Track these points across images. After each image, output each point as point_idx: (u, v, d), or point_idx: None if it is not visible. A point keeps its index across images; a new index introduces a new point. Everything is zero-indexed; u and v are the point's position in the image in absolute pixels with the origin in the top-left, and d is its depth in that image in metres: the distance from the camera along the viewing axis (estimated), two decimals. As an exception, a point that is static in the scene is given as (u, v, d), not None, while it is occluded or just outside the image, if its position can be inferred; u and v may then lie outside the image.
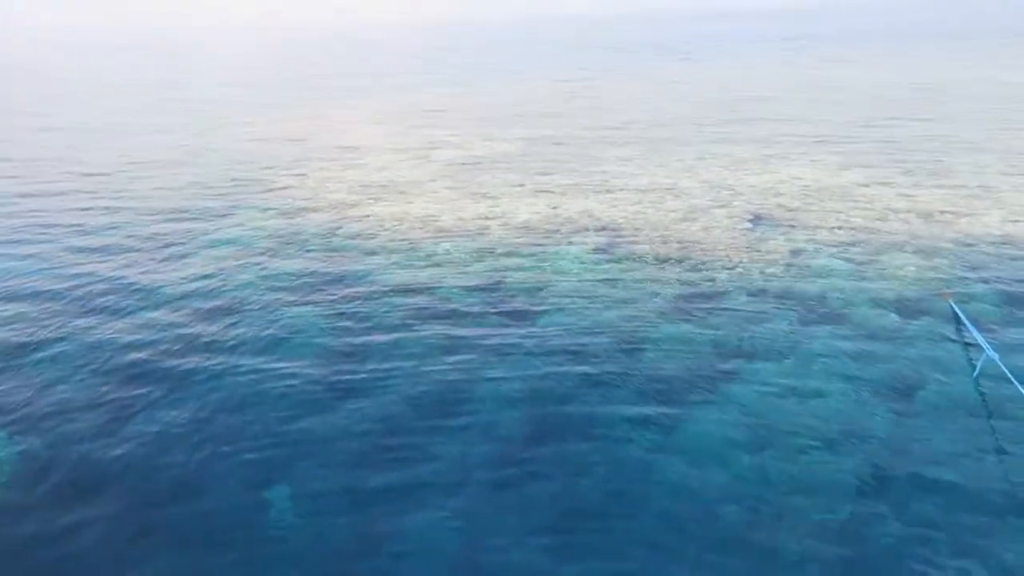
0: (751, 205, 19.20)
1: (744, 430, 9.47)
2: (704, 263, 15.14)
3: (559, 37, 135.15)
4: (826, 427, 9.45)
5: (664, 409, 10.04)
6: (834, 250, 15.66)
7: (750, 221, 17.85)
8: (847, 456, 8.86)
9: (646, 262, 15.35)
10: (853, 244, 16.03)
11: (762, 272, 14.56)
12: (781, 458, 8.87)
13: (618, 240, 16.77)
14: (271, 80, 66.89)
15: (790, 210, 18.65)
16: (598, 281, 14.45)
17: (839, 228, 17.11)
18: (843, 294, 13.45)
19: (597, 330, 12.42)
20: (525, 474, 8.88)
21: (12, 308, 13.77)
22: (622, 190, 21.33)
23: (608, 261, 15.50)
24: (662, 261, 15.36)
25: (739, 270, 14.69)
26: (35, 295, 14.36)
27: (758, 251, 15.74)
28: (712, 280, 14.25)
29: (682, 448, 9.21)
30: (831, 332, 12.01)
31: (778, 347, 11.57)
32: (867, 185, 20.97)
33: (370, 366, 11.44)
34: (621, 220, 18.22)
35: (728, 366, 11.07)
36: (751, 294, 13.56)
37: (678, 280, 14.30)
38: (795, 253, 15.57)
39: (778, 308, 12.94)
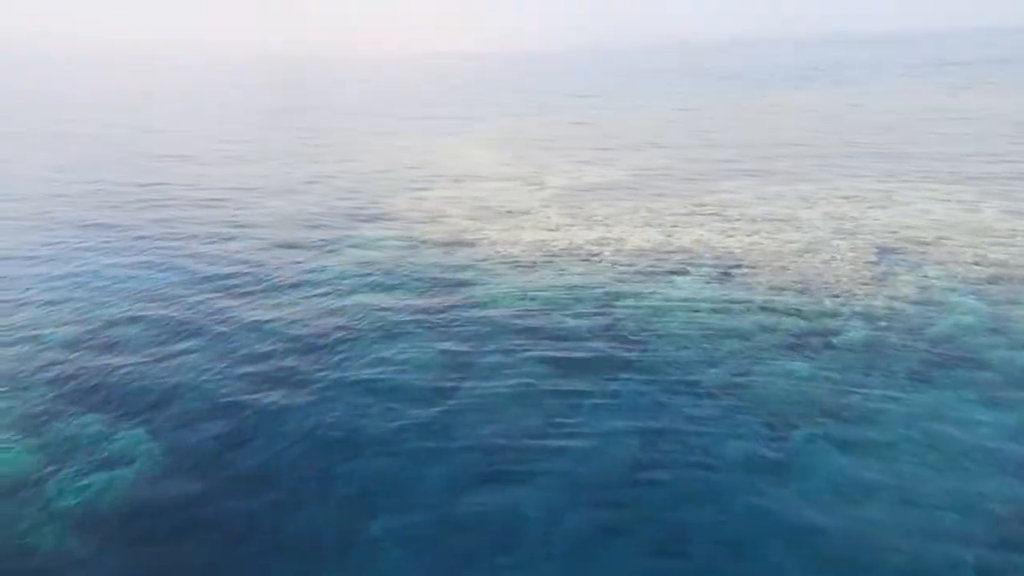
0: (876, 239, 18.35)
1: (857, 481, 8.98)
2: (824, 297, 14.55)
3: (672, 64, 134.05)
4: (949, 488, 8.77)
5: (775, 450, 9.67)
6: (969, 289, 14.73)
7: (875, 255, 17.05)
8: (970, 528, 8.14)
9: (762, 294, 14.90)
10: (991, 283, 15.03)
11: (887, 309, 13.85)
12: (892, 518, 8.31)
13: (732, 270, 16.37)
14: (376, 108, 69.08)
15: (920, 244, 17.70)
16: (711, 311, 14.13)
17: (975, 265, 16.08)
18: (978, 337, 12.61)
19: (708, 362, 12.14)
20: (626, 506, 8.76)
21: (128, 330, 14.53)
22: (737, 220, 20.85)
23: (722, 291, 15.15)
24: (779, 293, 14.87)
25: (862, 306, 14.03)
26: (150, 319, 14.89)
27: (883, 287, 15.01)
28: (832, 316, 13.67)
29: (790, 491, 8.82)
30: (963, 379, 11.26)
31: (901, 392, 10.94)
32: (1007, 220, 19.65)
33: (477, 388, 11.57)
34: (736, 250, 17.79)
35: (846, 409, 10.54)
36: (874, 333, 12.92)
37: (795, 314, 13.80)
38: (924, 290, 14.74)
39: (904, 349, 12.27)
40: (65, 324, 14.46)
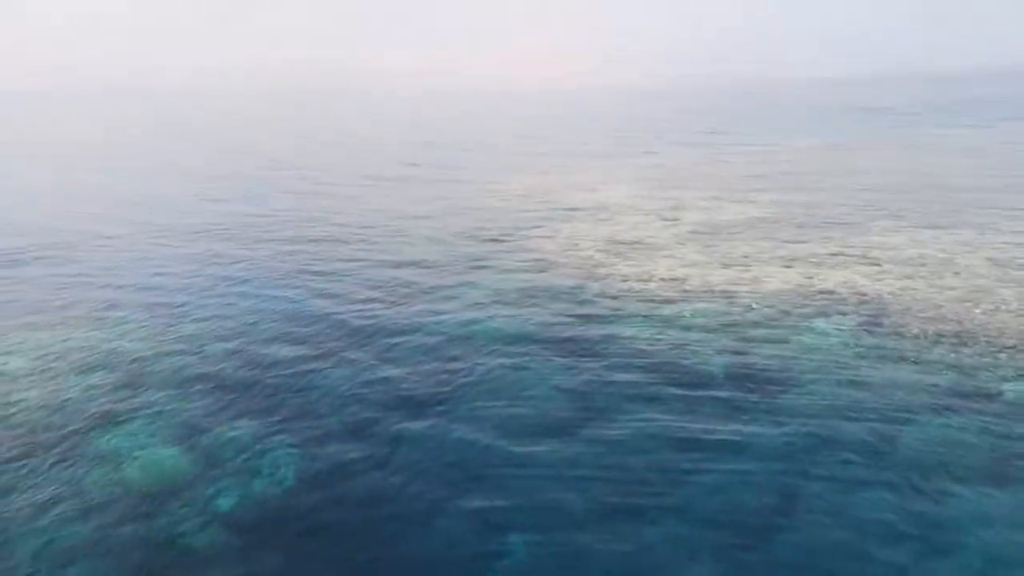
0: (1048, 289, 16.82)
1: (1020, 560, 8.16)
2: (986, 351, 13.46)
3: (822, 99, 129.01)
4: None
5: (923, 515, 8.98)
6: None
7: (1047, 307, 15.63)
8: None
9: (915, 344, 13.96)
10: None
11: (1061, 368, 12.63)
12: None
13: (881, 317, 15.45)
14: (507, 141, 69.85)
15: (1100, 298, 16.06)
16: (855, 360, 13.39)
17: None
18: None
19: (851, 414, 11.48)
20: (754, 555, 8.41)
21: (273, 348, 15.35)
22: (888, 263, 19.69)
23: (869, 339, 14.32)
24: (934, 344, 13.88)
25: (1031, 363, 12.87)
26: (293, 338, 15.70)
27: (1056, 343, 13.71)
28: (995, 371, 12.61)
29: (939, 563, 8.14)
30: None
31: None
32: None
33: (604, 423, 11.51)
34: (886, 295, 16.79)
35: (1008, 476, 9.65)
36: (1046, 392, 11.81)
37: (952, 368, 12.83)
38: (1106, 349, 13.35)
39: (1081, 412, 11.13)
40: (219, 340, 15.58)
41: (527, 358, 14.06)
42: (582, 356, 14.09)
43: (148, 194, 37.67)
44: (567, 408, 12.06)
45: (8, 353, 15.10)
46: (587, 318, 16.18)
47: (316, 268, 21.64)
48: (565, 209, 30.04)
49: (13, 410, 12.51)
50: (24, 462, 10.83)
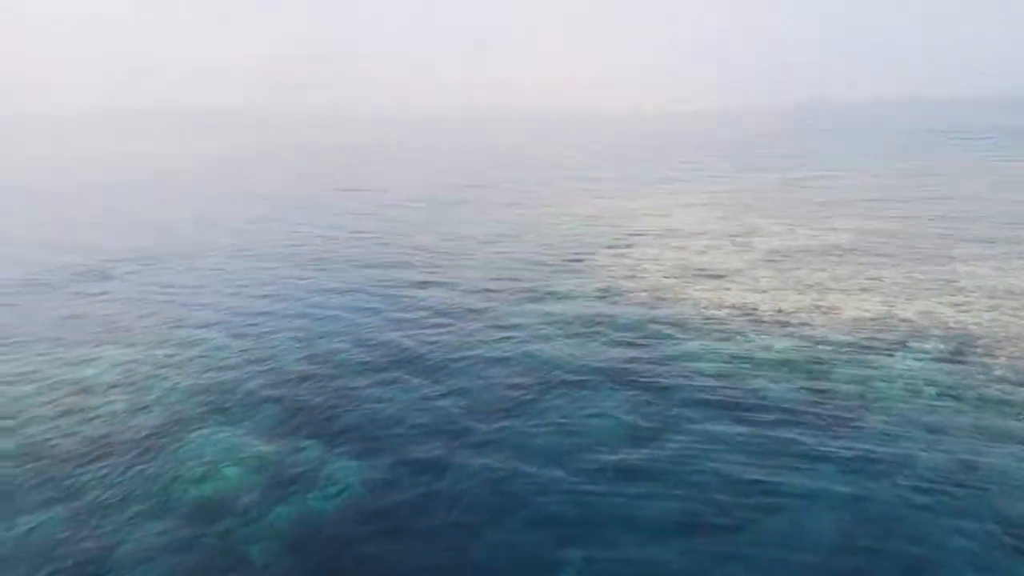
0: None
1: None
2: (1082, 388, 12.63)
3: (901, 123, 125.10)
4: None
5: (1011, 560, 8.42)
6: None
7: None
8: None
9: (1001, 379, 13.22)
10: None
11: None
12: None
13: (966, 350, 14.69)
14: (582, 165, 69.81)
15: None
16: (938, 395, 12.74)
17: None
18: None
19: (932, 452, 10.90)
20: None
21: (336, 364, 15.60)
22: (973, 292, 18.76)
23: (951, 373, 13.62)
24: (1022, 383, 13.09)
25: None
26: (356, 356, 15.89)
27: None
28: (1092, 410, 11.82)
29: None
30: None
31: None
32: None
33: (670, 450, 11.25)
34: (972, 327, 15.97)
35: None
36: None
37: (1045, 405, 12.08)
38: None
39: None
40: (284, 357, 15.92)
41: (590, 381, 13.90)
42: (647, 382, 13.83)
43: (214, 213, 39.05)
44: (626, 434, 11.84)
45: (88, 363, 15.77)
46: (652, 345, 15.87)
47: (378, 290, 21.93)
48: (630, 234, 29.72)
49: (91, 416, 13.04)
50: (100, 465, 11.26)
